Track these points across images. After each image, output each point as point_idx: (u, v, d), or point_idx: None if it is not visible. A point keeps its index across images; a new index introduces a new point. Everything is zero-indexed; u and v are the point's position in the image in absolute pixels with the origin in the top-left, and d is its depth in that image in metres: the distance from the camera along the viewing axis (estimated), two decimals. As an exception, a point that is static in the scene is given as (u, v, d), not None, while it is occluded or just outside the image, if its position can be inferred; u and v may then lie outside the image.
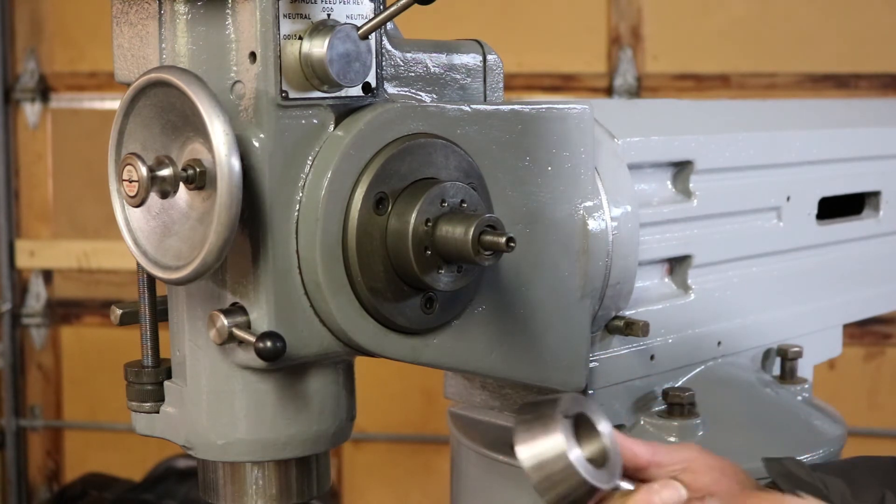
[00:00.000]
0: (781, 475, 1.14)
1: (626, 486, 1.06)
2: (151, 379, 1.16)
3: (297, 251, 1.06)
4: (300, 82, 1.05)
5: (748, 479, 1.13)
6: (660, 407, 1.44)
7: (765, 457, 1.18)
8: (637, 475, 1.08)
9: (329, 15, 1.07)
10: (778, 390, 1.57)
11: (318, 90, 1.06)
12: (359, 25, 1.06)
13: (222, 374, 1.10)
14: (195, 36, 1.07)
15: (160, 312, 1.17)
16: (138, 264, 1.10)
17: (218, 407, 1.11)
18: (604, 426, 1.07)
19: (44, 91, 3.75)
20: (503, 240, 1.06)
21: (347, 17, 1.08)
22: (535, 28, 3.54)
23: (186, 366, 1.13)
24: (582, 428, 1.07)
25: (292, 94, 1.05)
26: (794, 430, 1.50)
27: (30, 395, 3.85)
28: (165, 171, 1.02)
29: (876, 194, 1.77)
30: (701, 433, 1.40)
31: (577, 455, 1.03)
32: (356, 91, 1.09)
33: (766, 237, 1.59)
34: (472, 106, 1.17)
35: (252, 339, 1.03)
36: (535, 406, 1.07)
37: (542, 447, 1.02)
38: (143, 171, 1.01)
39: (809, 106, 1.98)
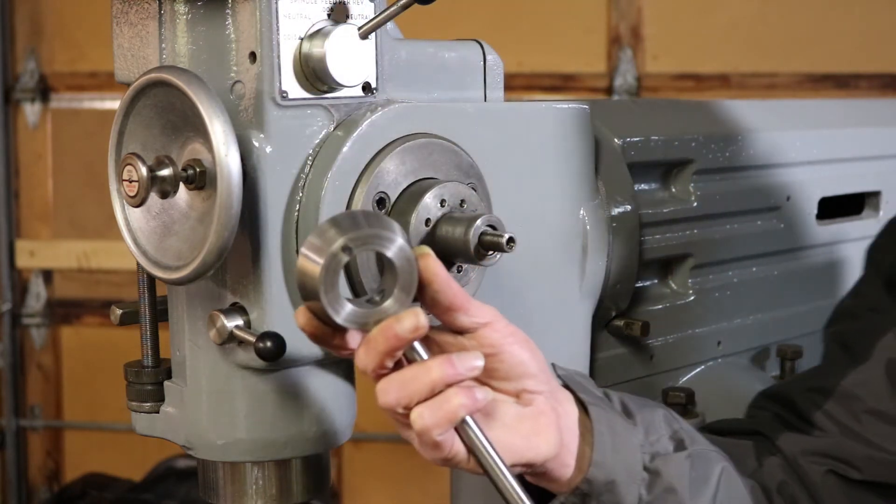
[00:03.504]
0: (567, 378, 1.13)
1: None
2: (151, 379, 1.16)
3: (297, 251, 1.06)
4: (300, 82, 1.05)
5: (546, 365, 1.09)
6: (660, 407, 1.44)
7: (553, 363, 1.15)
8: (444, 314, 1.02)
9: (329, 15, 1.07)
10: (778, 390, 1.57)
11: (318, 90, 1.06)
12: (359, 25, 1.06)
13: (222, 374, 1.10)
14: (195, 36, 1.07)
15: (160, 312, 1.17)
16: (138, 264, 1.10)
17: (218, 407, 1.11)
18: (407, 272, 0.97)
19: (44, 91, 3.75)
20: (503, 240, 1.06)
21: (347, 17, 1.08)
22: (535, 28, 3.54)
23: (186, 366, 1.13)
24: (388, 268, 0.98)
25: (292, 94, 1.05)
26: (794, 430, 1.50)
27: (30, 395, 3.85)
28: (165, 171, 1.02)
29: (876, 194, 1.77)
30: (701, 433, 1.40)
31: (331, 274, 0.94)
32: (356, 91, 1.09)
33: (766, 237, 1.59)
34: (472, 106, 1.17)
35: (252, 339, 1.03)
36: (349, 218, 0.96)
37: (314, 253, 0.94)
38: (143, 171, 1.01)
39: (809, 106, 1.98)
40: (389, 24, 1.11)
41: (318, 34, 1.05)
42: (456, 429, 0.99)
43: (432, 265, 0.99)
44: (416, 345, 0.99)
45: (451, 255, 1.08)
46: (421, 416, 0.98)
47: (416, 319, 0.96)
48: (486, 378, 1.05)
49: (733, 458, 1.20)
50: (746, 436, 1.28)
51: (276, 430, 1.12)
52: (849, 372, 1.26)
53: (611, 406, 1.14)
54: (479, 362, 1.00)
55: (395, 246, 0.97)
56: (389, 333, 0.97)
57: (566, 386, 1.12)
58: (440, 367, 0.98)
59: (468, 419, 0.99)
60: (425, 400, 0.98)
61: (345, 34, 1.05)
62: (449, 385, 0.98)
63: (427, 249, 1.00)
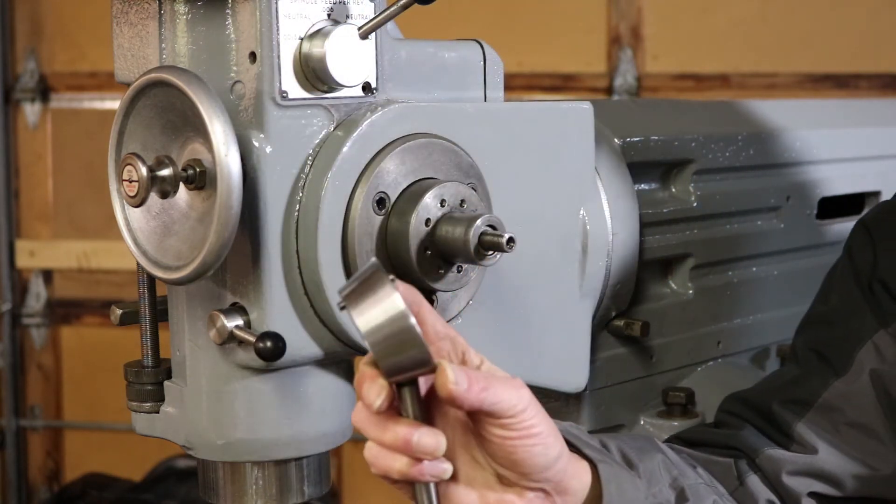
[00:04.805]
0: (565, 433, 1.08)
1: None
2: (151, 379, 1.16)
3: (297, 251, 1.06)
4: (300, 82, 1.05)
5: (559, 451, 1.04)
6: (659, 407, 1.44)
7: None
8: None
9: (329, 15, 1.07)
10: (778, 390, 1.57)
11: (318, 90, 1.06)
12: (359, 25, 1.06)
13: (222, 374, 1.10)
14: (195, 36, 1.07)
15: (160, 312, 1.17)
16: (138, 264, 1.10)
17: (218, 407, 1.11)
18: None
19: (44, 91, 3.75)
20: (503, 240, 1.06)
21: (347, 17, 1.08)
22: (535, 28, 3.54)
23: (186, 366, 1.13)
24: None
25: (292, 94, 1.05)
26: (794, 430, 1.50)
27: (30, 395, 3.85)
28: (165, 171, 1.02)
29: (876, 194, 1.77)
30: (701, 433, 1.40)
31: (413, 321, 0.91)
32: (356, 91, 1.09)
33: (766, 237, 1.59)
34: (472, 106, 1.17)
35: (252, 339, 1.03)
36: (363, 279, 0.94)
37: (377, 308, 0.91)
38: (143, 171, 1.01)
39: (809, 106, 1.98)
40: (389, 24, 1.11)
41: (318, 34, 1.05)
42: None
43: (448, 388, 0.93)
44: (407, 398, 0.95)
45: (451, 255, 1.08)
46: (369, 449, 0.97)
47: (374, 401, 0.93)
48: (479, 449, 1.00)
49: (714, 476, 1.20)
50: (723, 449, 1.26)
51: (276, 430, 1.12)
52: (829, 383, 1.24)
53: (613, 458, 1.11)
54: (447, 470, 0.97)
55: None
56: (359, 380, 0.95)
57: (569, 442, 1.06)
58: (400, 438, 0.95)
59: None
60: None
61: (345, 34, 1.05)
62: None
63: (443, 368, 0.94)
